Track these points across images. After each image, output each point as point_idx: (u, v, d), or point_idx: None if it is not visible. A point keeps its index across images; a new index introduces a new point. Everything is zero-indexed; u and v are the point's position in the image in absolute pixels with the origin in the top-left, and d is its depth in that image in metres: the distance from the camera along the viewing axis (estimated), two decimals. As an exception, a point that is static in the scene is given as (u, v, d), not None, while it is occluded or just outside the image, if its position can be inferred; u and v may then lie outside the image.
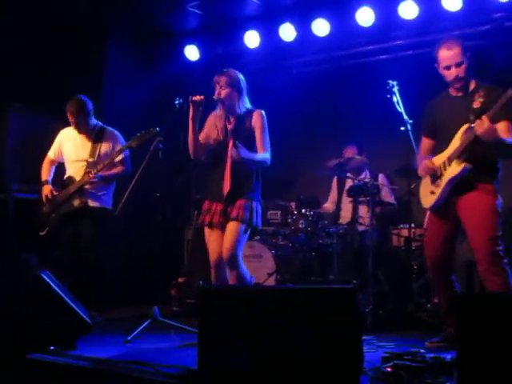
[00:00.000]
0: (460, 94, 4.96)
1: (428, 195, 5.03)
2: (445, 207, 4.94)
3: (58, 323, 4.67)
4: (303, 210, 7.28)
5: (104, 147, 6.59)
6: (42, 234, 6.58)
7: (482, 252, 4.70)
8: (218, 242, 5.25)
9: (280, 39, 8.41)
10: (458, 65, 4.85)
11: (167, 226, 8.02)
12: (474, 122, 4.68)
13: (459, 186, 4.83)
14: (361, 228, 7.24)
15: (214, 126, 5.45)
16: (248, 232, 5.28)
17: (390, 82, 5.87)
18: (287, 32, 8.34)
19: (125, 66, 8.87)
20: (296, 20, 8.29)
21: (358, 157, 7.27)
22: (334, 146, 8.01)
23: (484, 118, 4.56)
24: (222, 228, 5.26)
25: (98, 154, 6.54)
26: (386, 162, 7.65)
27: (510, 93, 4.48)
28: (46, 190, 6.62)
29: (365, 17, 7.78)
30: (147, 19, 8.71)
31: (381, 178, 7.65)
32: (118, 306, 7.57)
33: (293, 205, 7.62)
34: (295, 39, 8.37)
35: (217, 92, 5.34)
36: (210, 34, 9.05)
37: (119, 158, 6.48)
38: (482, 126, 4.56)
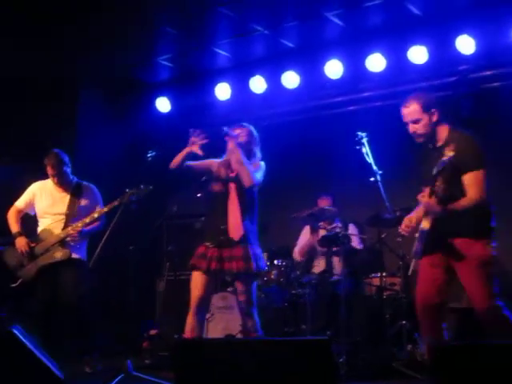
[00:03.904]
0: (431, 147, 4.95)
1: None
2: (431, 255, 4.87)
3: (29, 379, 4.61)
4: (275, 261, 7.30)
5: (83, 201, 6.63)
6: (14, 286, 6.52)
7: (479, 306, 4.70)
8: (205, 287, 5.34)
9: (250, 91, 8.53)
10: (415, 122, 4.83)
11: (139, 278, 7.99)
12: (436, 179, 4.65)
13: (443, 238, 4.80)
14: (333, 277, 7.27)
15: (216, 167, 5.57)
16: (255, 279, 5.48)
17: (359, 133, 5.96)
18: (258, 84, 8.46)
19: (97, 117, 8.93)
20: (266, 72, 8.43)
21: (329, 208, 7.33)
22: (304, 197, 8.07)
23: (432, 201, 4.60)
24: (216, 273, 5.39)
25: (77, 208, 6.56)
26: (356, 212, 7.73)
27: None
28: (22, 241, 6.51)
29: (334, 69, 7.94)
30: (120, 71, 8.81)
31: (351, 227, 7.71)
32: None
33: (265, 255, 7.63)
34: (266, 91, 8.49)
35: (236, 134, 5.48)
36: (181, 86, 9.17)
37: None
38: (430, 207, 4.62)
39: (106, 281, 8.56)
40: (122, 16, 7.18)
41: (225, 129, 5.39)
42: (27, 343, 4.64)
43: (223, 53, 8.35)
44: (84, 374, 6.44)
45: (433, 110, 4.85)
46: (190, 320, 5.31)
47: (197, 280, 5.37)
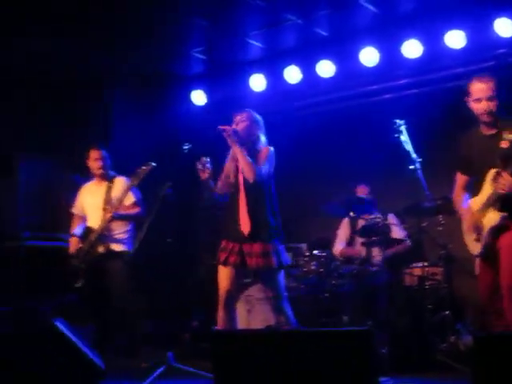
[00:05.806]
0: (490, 132, 4.87)
1: (473, 243, 4.98)
2: (490, 250, 4.89)
3: (71, 370, 4.64)
4: (315, 251, 7.25)
5: (115, 193, 6.70)
6: (78, 286, 6.62)
7: (506, 286, 4.67)
8: (230, 280, 5.34)
9: (285, 82, 8.46)
10: (490, 99, 4.77)
11: (178, 270, 8.00)
12: (500, 167, 4.66)
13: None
14: (373, 268, 7.20)
15: (229, 167, 5.52)
16: (282, 272, 5.39)
17: (398, 121, 5.88)
18: (292, 74, 8.38)
19: (132, 112, 8.96)
20: (301, 62, 8.35)
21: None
22: (342, 187, 7.99)
23: (505, 175, 4.57)
24: (236, 267, 5.33)
25: (111, 200, 6.65)
26: (395, 202, 7.63)
27: None
28: (72, 242, 6.79)
29: (369, 57, 7.82)
30: (153, 65, 8.82)
31: (390, 217, 7.62)
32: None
33: (304, 246, 7.58)
34: (301, 81, 8.41)
35: (234, 124, 5.43)
36: (215, 78, 9.15)
37: (131, 200, 6.57)
38: (505, 185, 4.58)
39: (145, 273, 8.59)
40: (154, 9, 7.16)
41: (219, 128, 5.32)
42: (70, 335, 4.68)
43: (256, 43, 8.28)
44: (131, 366, 6.47)
45: (497, 94, 4.81)
46: (221, 313, 5.35)
47: (220, 273, 5.41)
